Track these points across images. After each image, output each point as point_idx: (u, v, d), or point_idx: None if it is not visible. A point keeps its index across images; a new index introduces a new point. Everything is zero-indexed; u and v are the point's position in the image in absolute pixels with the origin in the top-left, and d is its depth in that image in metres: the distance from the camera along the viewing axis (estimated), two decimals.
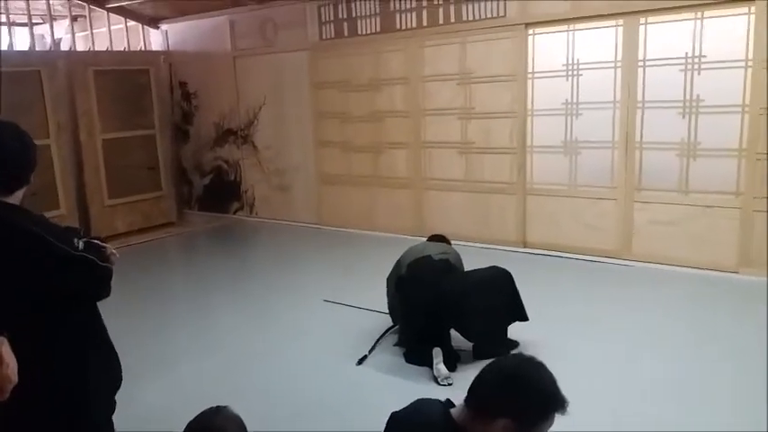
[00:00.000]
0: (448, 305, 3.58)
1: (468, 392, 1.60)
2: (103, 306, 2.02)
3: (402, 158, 6.65)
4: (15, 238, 1.75)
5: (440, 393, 1.95)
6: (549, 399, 1.53)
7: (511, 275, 3.78)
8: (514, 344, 3.74)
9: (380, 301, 4.22)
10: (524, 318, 3.76)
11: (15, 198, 1.83)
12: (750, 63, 4.72)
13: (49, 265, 1.77)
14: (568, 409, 1.53)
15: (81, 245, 1.86)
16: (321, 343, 4.08)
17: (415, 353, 3.68)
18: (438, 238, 4.27)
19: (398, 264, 3.95)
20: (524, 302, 3.77)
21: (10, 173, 1.81)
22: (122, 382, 2.12)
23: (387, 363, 3.70)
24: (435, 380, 3.44)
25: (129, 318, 4.62)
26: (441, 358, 3.50)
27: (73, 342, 1.88)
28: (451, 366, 3.52)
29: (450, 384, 3.37)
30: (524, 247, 5.92)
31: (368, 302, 4.59)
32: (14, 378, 1.55)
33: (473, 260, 4.02)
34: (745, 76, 4.76)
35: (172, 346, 4.22)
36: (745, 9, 4.69)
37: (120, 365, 2.11)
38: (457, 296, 3.59)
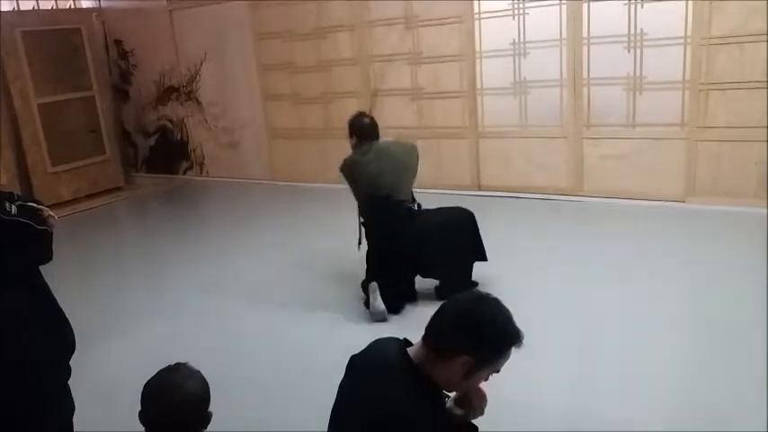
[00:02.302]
0: (410, 246, 3.62)
1: (426, 331, 1.61)
2: (55, 273, 1.96)
3: (353, 108, 6.50)
4: None
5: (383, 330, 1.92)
6: (505, 333, 1.56)
7: (473, 216, 3.84)
8: (474, 284, 3.79)
9: (336, 251, 4.22)
10: (484, 258, 3.83)
11: None
12: None
13: None
14: (525, 342, 1.56)
15: (14, 209, 1.76)
16: (275, 299, 4.06)
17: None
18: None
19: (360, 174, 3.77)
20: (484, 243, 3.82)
21: None
22: (78, 347, 2.07)
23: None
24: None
25: (82, 284, 4.54)
26: (377, 293, 3.54)
27: (15, 309, 1.81)
28: (396, 306, 3.58)
29: (382, 321, 3.47)
30: (479, 189, 5.97)
31: (322, 253, 4.57)
32: None
33: (430, 206, 4.00)
34: (685, 7, 4.81)
35: (128, 310, 4.14)
36: None
37: (71, 331, 2.05)
38: (420, 237, 3.63)
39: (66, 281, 2.09)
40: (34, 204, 1.95)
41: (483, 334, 1.54)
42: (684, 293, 3.61)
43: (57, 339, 2.00)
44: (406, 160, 3.81)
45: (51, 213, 1.95)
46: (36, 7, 7.93)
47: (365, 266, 3.79)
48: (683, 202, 5.06)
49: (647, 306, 3.46)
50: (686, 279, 3.78)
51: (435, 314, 1.62)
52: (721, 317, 3.25)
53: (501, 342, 1.55)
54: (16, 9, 7.93)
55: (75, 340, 2.07)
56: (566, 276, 3.94)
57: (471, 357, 1.52)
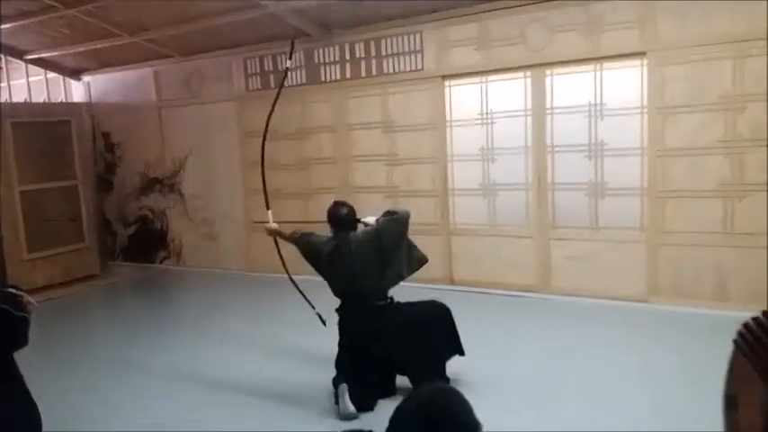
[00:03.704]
0: (381, 342, 3.65)
1: (389, 423, 1.69)
2: (27, 360, 2.01)
3: (330, 203, 6.76)
4: None
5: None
6: (464, 425, 1.64)
7: (448, 310, 3.85)
8: (446, 379, 3.77)
9: (309, 344, 4.26)
10: (461, 352, 3.83)
11: None
12: (645, 110, 5.17)
13: None
14: None
15: None
16: (246, 392, 4.06)
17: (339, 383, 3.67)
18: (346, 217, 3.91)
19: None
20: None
21: None
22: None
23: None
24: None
25: (53, 371, 4.50)
26: (346, 396, 3.52)
27: None
28: (368, 404, 3.57)
29: (349, 419, 3.45)
30: (452, 284, 6.12)
31: (295, 345, 4.61)
32: None
33: (404, 299, 4.10)
34: (641, 122, 5.21)
35: (98, 399, 4.10)
36: (638, 62, 5.17)
37: (38, 413, 2.07)
38: (391, 333, 3.65)
39: (36, 367, 2.13)
40: (13, 290, 2.01)
41: (442, 425, 1.62)
42: (644, 392, 3.70)
43: (24, 422, 2.02)
44: (368, 253, 3.73)
45: (30, 300, 2.02)
46: (28, 99, 8.24)
47: (336, 362, 3.80)
48: (646, 302, 5.25)
49: (613, 402, 3.55)
50: (646, 378, 3.89)
51: (397, 407, 1.70)
52: (679, 413, 3.35)
53: None
54: (8, 101, 8.24)
55: (41, 424, 2.09)
56: (536, 373, 4.03)
57: None
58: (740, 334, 1.03)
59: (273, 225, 4.22)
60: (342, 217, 3.86)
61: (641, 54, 5.13)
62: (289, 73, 6.82)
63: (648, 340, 4.55)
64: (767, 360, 0.99)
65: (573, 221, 5.59)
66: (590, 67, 5.39)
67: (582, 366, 4.08)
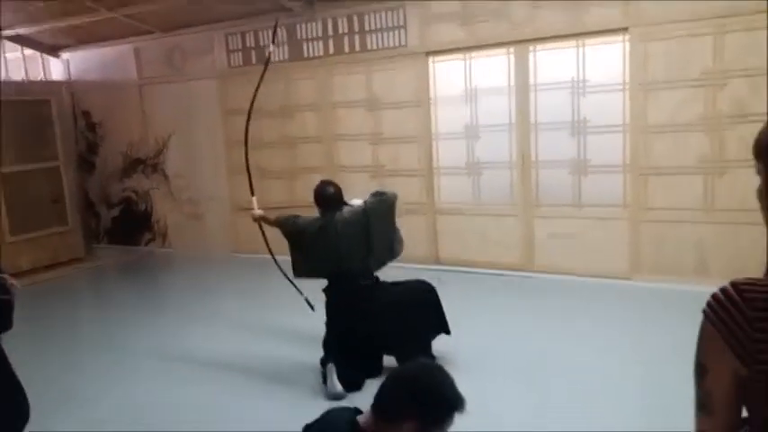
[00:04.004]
0: (367, 322, 3.68)
1: (374, 400, 1.73)
2: (13, 345, 2.00)
3: (316, 182, 6.73)
4: None
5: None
6: (448, 400, 1.68)
7: (433, 288, 3.89)
8: (431, 357, 3.82)
9: (299, 326, 4.29)
10: (447, 331, 3.88)
11: None
12: (627, 86, 5.17)
13: None
14: (479, 409, 1.67)
15: None
16: (233, 373, 4.10)
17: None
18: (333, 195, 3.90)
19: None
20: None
21: None
22: (38, 418, 2.10)
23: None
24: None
25: (40, 356, 4.51)
26: (333, 375, 3.57)
27: None
28: (355, 384, 3.61)
29: (339, 399, 3.48)
30: (437, 263, 6.16)
31: (282, 326, 4.65)
32: None
33: (390, 278, 4.11)
34: (624, 98, 5.21)
35: (87, 381, 4.13)
36: (620, 37, 5.15)
37: (25, 399, 2.08)
38: (376, 312, 3.69)
39: (23, 351, 2.14)
40: None
41: (426, 400, 1.66)
42: (630, 367, 3.78)
43: (11, 408, 2.03)
44: (355, 234, 3.75)
45: (14, 282, 2.02)
46: (6, 77, 8.08)
47: (323, 342, 3.83)
48: (629, 279, 5.31)
49: (597, 378, 3.62)
50: (630, 354, 3.97)
51: (383, 383, 1.74)
52: (663, 387, 3.42)
53: (445, 408, 1.67)
54: None
55: (29, 410, 2.10)
56: (520, 350, 4.09)
57: (416, 423, 1.64)
58: (708, 304, 1.08)
59: (259, 212, 4.23)
60: (328, 196, 3.85)
61: (623, 30, 5.10)
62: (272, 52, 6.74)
63: (632, 316, 4.63)
64: (733, 329, 1.04)
65: (556, 199, 5.62)
66: (572, 43, 5.36)
67: (566, 343, 4.14)
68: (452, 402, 1.68)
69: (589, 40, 5.29)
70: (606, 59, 5.27)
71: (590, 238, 5.48)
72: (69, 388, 4.01)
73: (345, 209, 3.86)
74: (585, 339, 4.20)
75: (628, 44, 5.12)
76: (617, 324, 4.48)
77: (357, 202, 3.89)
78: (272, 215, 4.12)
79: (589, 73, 5.33)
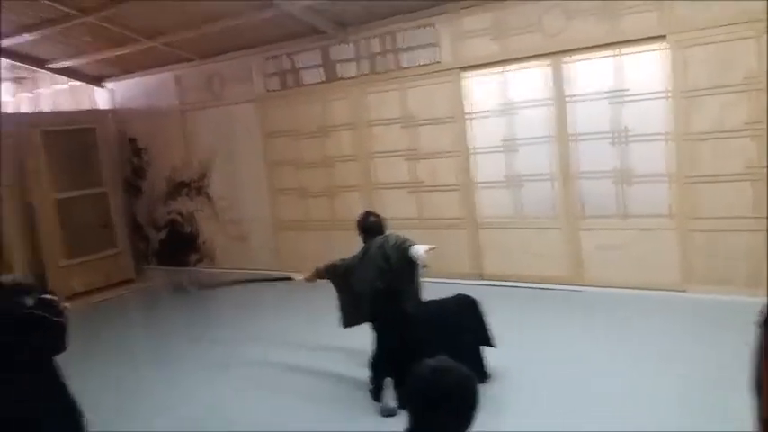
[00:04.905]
0: (412, 340, 3.69)
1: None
2: (70, 365, 2.08)
3: (356, 200, 6.83)
4: None
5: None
6: (458, 399, 1.65)
7: (475, 302, 3.95)
8: (485, 374, 3.83)
9: (346, 343, 4.35)
10: (491, 344, 3.92)
11: None
12: (669, 94, 5.07)
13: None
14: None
15: (31, 302, 1.91)
16: (288, 389, 4.18)
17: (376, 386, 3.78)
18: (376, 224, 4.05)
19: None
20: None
21: None
22: None
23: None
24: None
25: (98, 375, 4.67)
26: (389, 392, 3.62)
27: (28, 397, 1.92)
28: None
29: (390, 416, 3.51)
30: (481, 278, 6.13)
31: (333, 345, 4.72)
32: None
33: (434, 295, 4.11)
34: (665, 106, 5.11)
35: (143, 399, 4.28)
36: (659, 45, 5.06)
37: (80, 419, 2.15)
38: (421, 330, 3.71)
39: (80, 371, 2.24)
40: (50, 296, 2.08)
41: (438, 401, 1.64)
42: (685, 384, 3.68)
43: (69, 425, 2.10)
44: (383, 258, 3.77)
45: (66, 305, 2.10)
46: (55, 108, 8.42)
47: (373, 361, 3.89)
48: (683, 291, 5.15)
49: (651, 394, 3.55)
50: (688, 370, 3.83)
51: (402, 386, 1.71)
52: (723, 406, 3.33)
53: (466, 406, 1.65)
54: (37, 110, 8.43)
55: (85, 426, 2.17)
56: (569, 366, 4.03)
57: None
58: (761, 316, 1.04)
59: (305, 275, 4.51)
60: (369, 225, 4.02)
61: (661, 37, 5.02)
62: (307, 71, 6.88)
63: (685, 330, 4.50)
64: None
65: (601, 210, 5.53)
66: (610, 52, 5.29)
67: (617, 361, 4.06)
68: (463, 400, 1.65)
69: (626, 49, 5.22)
70: (645, 67, 5.18)
71: (638, 249, 5.37)
72: (124, 404, 4.17)
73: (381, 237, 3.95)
74: (639, 357, 4.09)
75: (667, 51, 5.03)
76: (671, 339, 4.35)
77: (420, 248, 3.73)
78: (315, 269, 4.35)
79: (628, 81, 5.25)
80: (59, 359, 2.13)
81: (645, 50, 5.16)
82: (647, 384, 3.70)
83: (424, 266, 3.61)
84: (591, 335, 4.57)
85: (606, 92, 5.34)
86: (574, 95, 5.49)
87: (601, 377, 3.85)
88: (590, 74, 5.41)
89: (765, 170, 4.70)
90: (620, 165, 5.37)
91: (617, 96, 5.31)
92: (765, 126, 4.68)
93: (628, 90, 5.27)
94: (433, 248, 3.67)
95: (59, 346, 2.03)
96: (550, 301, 5.47)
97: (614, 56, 5.28)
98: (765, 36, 4.59)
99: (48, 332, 1.96)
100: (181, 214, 8.38)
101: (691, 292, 5.12)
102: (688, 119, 4.99)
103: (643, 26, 5.05)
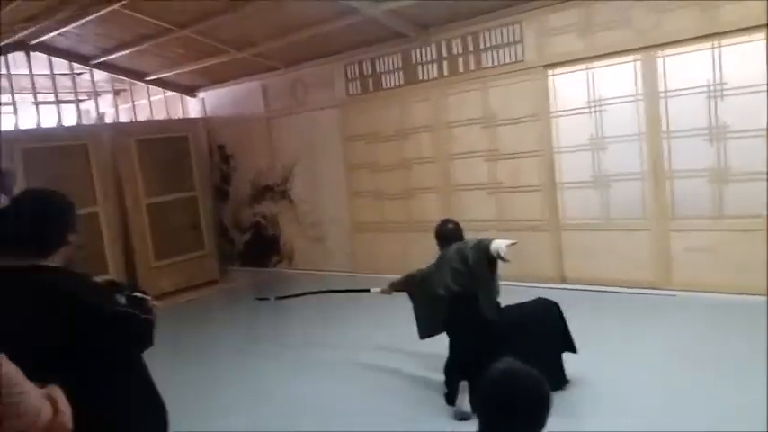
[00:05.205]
0: (492, 345, 3.59)
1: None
2: (156, 362, 2.13)
3: (433, 202, 6.78)
4: (61, 299, 1.86)
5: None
6: (526, 406, 1.60)
7: (557, 306, 3.80)
8: (565, 380, 3.71)
9: (420, 346, 4.27)
10: (573, 349, 3.77)
11: (56, 260, 1.93)
12: None
13: (89, 323, 1.87)
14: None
15: (123, 300, 1.98)
16: (364, 388, 4.15)
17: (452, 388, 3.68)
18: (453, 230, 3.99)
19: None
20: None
21: (41, 236, 1.94)
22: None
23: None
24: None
25: (182, 372, 4.80)
26: (466, 394, 3.49)
27: (120, 394, 1.98)
28: None
29: (463, 420, 3.41)
30: (563, 282, 5.91)
31: (407, 347, 4.65)
32: (70, 425, 1.66)
33: (514, 299, 3.97)
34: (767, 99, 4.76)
35: (225, 397, 4.36)
36: (762, 34, 4.74)
37: (165, 415, 2.19)
38: (500, 335, 3.58)
39: (165, 368, 2.30)
40: (140, 294, 2.15)
41: (506, 407, 1.60)
42: None
43: (152, 422, 2.14)
44: (461, 260, 3.68)
45: (155, 303, 2.16)
46: (150, 118, 8.89)
47: (447, 364, 3.80)
48: None
49: (737, 405, 3.28)
50: None
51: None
52: None
53: (540, 411, 1.61)
54: (133, 120, 8.93)
55: (167, 425, 2.21)
56: (656, 375, 3.80)
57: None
58: None
59: (382, 288, 4.49)
60: (446, 232, 3.95)
61: (765, 26, 4.68)
62: (388, 75, 6.93)
63: None
64: None
65: (694, 211, 5.20)
66: (707, 43, 4.99)
67: (708, 370, 3.77)
68: (532, 407, 1.61)
69: (725, 40, 4.91)
70: (747, 59, 4.85)
71: (733, 251, 5.00)
72: (209, 399, 4.26)
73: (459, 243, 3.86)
74: (732, 367, 3.78)
75: None
76: (760, 345, 3.96)
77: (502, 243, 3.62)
78: (391, 282, 4.36)
79: (727, 74, 4.94)
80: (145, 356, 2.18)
81: (746, 41, 4.83)
82: (734, 395, 3.41)
83: (506, 261, 3.47)
84: (676, 341, 4.28)
85: (702, 86, 5.03)
86: (667, 91, 5.21)
87: (683, 385, 3.59)
88: (684, 67, 5.12)
89: None
90: (717, 163, 5.03)
91: (714, 90, 4.99)
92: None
93: (726, 84, 4.95)
94: (514, 243, 3.56)
95: (146, 341, 2.08)
96: (636, 305, 5.18)
97: (712, 48, 4.98)
98: None
99: (137, 329, 2.02)
100: (264, 217, 8.62)
101: None
102: None
103: (745, 14, 4.73)
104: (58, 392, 1.69)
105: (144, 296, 2.14)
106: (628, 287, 5.48)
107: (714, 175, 5.07)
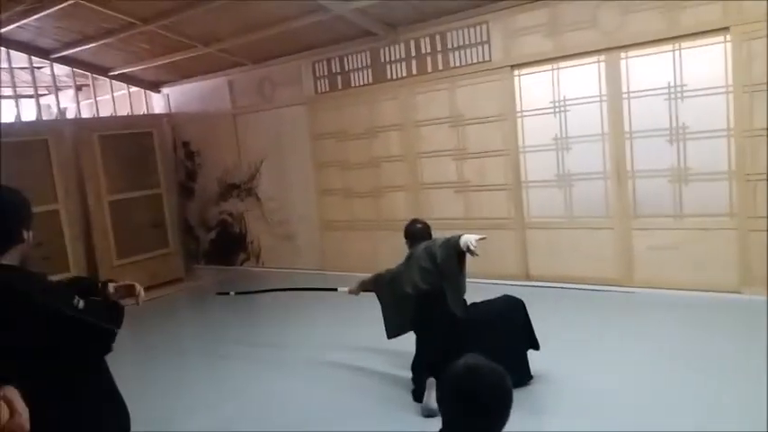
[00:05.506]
0: (458, 342, 3.62)
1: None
2: (119, 362, 2.09)
3: (402, 200, 6.80)
4: (13, 298, 1.78)
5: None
6: (484, 401, 1.61)
7: (522, 304, 3.86)
8: (529, 376, 3.75)
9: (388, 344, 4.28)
10: (536, 346, 3.83)
11: (10, 258, 1.87)
12: (731, 88, 4.86)
13: (43, 325, 1.80)
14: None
15: (82, 304, 1.89)
16: (331, 386, 4.14)
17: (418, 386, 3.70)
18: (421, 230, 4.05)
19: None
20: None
21: None
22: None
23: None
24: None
25: (146, 372, 4.72)
26: (433, 391, 3.48)
27: (79, 395, 1.93)
28: None
29: (431, 416, 3.41)
30: (528, 279, 5.98)
31: (375, 345, 4.65)
32: (27, 426, 1.62)
33: (480, 296, 4.02)
34: (726, 101, 4.90)
35: (189, 396, 4.30)
36: (721, 38, 4.87)
37: (127, 418, 2.15)
38: (466, 332, 3.61)
39: (128, 368, 2.26)
40: (100, 297, 2.09)
41: (468, 402, 1.61)
42: (738, 389, 3.47)
43: (113, 422, 2.10)
44: (429, 258, 3.73)
45: (141, 290, 2.14)
46: (113, 113, 8.71)
47: (415, 362, 3.82)
48: (739, 293, 4.93)
49: (701, 399, 3.37)
50: (742, 375, 3.63)
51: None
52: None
53: (501, 409, 1.62)
54: (96, 115, 8.74)
55: (129, 425, 2.17)
56: (617, 369, 3.88)
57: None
58: None
59: (350, 287, 4.45)
60: (415, 231, 4.02)
61: (724, 30, 4.82)
62: (356, 72, 6.92)
63: (742, 334, 4.25)
64: None
65: (656, 210, 5.33)
66: (668, 46, 5.11)
67: (668, 366, 3.87)
68: (488, 403, 1.62)
69: (686, 43, 5.03)
70: (706, 62, 4.99)
71: (694, 249, 5.15)
72: (173, 398, 4.19)
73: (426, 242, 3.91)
74: (692, 363, 3.87)
75: (729, 44, 4.83)
76: (727, 344, 4.12)
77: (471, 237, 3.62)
78: (360, 281, 4.34)
79: (687, 77, 5.06)
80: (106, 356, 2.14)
81: (706, 44, 4.96)
82: (697, 389, 3.50)
83: (475, 255, 3.49)
84: (639, 337, 4.37)
85: (663, 87, 5.15)
86: (630, 91, 5.32)
87: (647, 382, 3.66)
88: (647, 69, 5.24)
89: None
90: (678, 163, 5.16)
91: (675, 92, 5.11)
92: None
93: (686, 85, 5.07)
94: (484, 238, 3.59)
95: (102, 351, 2.02)
96: (598, 302, 5.28)
97: (673, 50, 5.10)
98: None
99: (92, 338, 1.96)
100: (231, 215, 8.53)
101: (747, 294, 4.87)
102: (750, 114, 4.77)
103: (706, 18, 4.86)
104: (13, 393, 1.65)
105: (107, 299, 2.08)
106: (591, 284, 5.59)
107: (675, 175, 5.20)
